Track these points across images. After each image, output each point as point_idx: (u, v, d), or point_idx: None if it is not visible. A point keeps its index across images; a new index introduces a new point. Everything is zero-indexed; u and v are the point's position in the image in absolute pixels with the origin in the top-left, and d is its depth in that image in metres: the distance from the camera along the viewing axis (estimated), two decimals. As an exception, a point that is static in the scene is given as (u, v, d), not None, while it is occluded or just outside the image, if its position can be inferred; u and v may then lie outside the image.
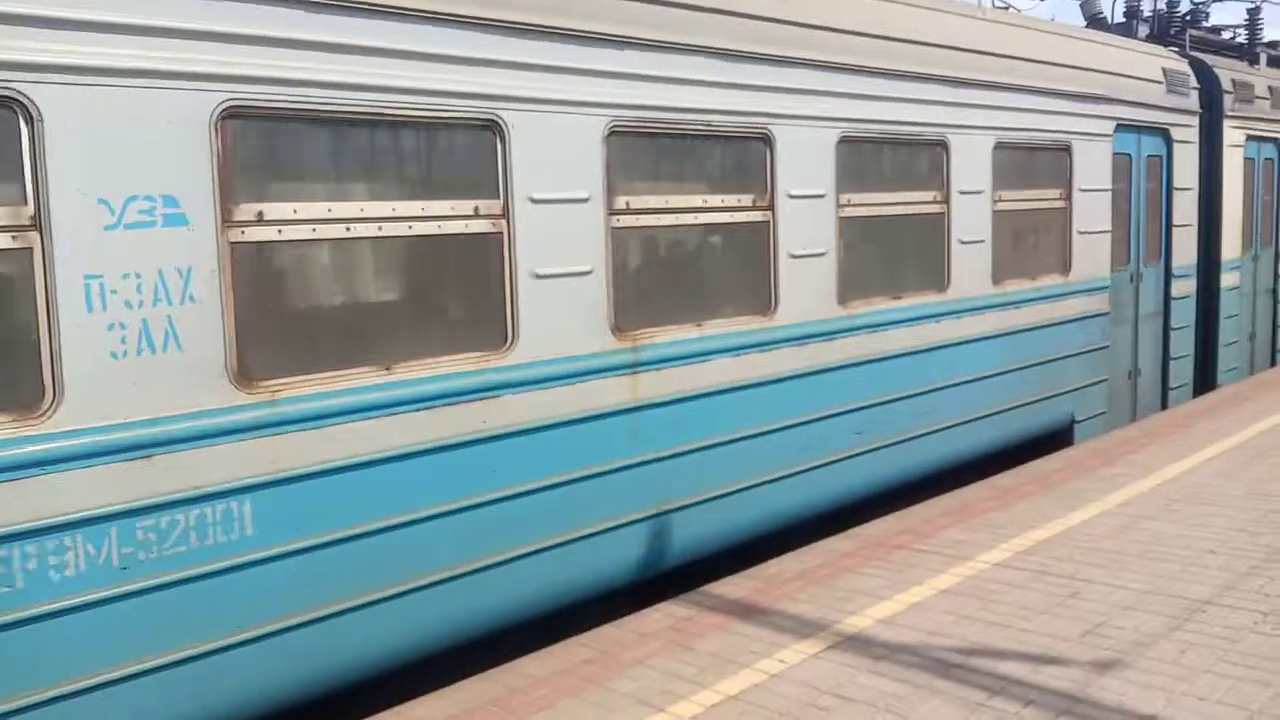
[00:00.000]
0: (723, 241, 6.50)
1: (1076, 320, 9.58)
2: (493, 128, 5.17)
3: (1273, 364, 13.97)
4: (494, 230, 5.20)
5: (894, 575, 6.25)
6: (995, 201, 8.51)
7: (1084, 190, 9.55)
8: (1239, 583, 5.85)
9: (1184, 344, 11.51)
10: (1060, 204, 9.34)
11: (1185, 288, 11.47)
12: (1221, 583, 5.86)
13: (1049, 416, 9.37)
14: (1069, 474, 8.34)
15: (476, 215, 5.15)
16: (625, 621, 5.74)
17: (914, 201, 7.80)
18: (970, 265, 8.28)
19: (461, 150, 5.14)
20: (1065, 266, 9.43)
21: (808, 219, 6.86)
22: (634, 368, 5.86)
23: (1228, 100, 12.04)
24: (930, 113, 7.81)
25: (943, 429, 8.09)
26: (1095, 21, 13.29)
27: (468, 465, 5.13)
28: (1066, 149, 9.32)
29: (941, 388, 8.05)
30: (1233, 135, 12.23)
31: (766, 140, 6.56)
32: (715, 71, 6.21)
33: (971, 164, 8.23)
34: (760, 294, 6.66)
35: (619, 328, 5.80)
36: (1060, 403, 9.48)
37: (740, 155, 6.52)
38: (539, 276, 5.38)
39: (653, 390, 5.96)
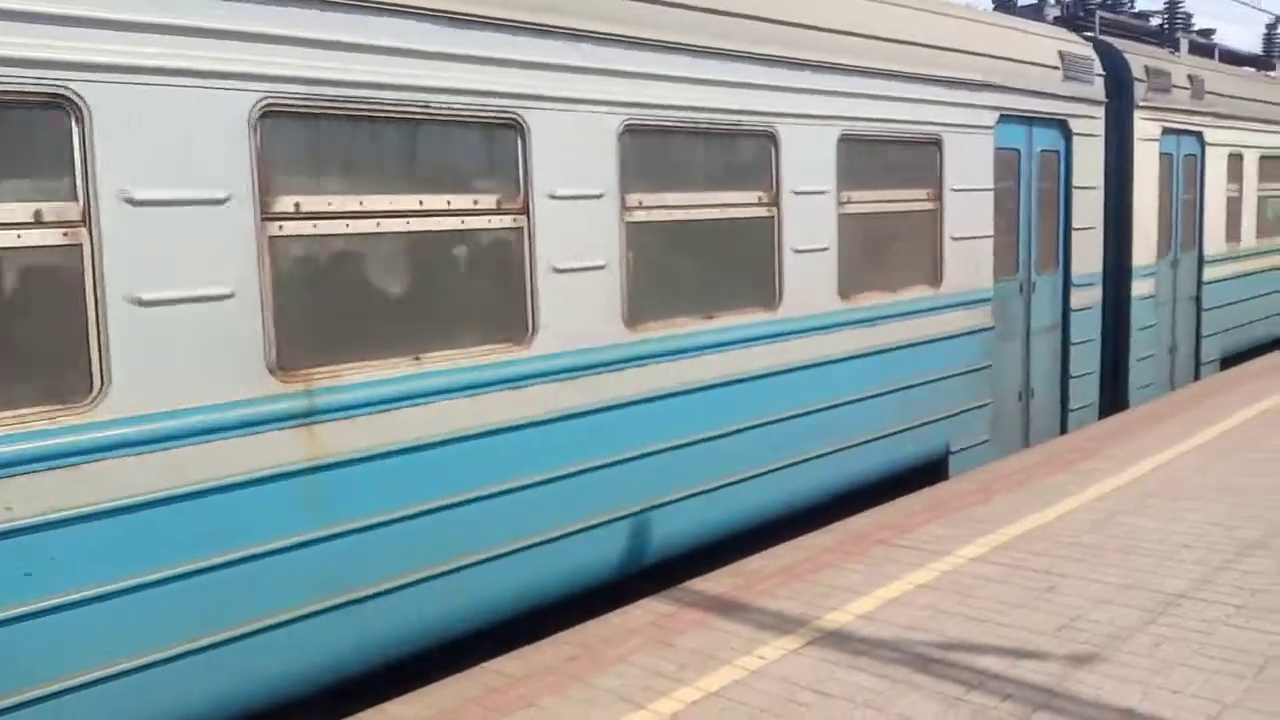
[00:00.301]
0: (458, 257, 5.27)
1: (951, 338, 8.41)
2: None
3: (1197, 378, 12.86)
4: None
5: (873, 570, 6.32)
6: (842, 203, 7.31)
7: (958, 190, 8.37)
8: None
9: (1087, 360, 10.36)
10: (928, 205, 8.16)
11: (1088, 297, 10.32)
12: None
13: (916, 449, 8.20)
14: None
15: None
16: (608, 618, 5.75)
17: (733, 204, 6.57)
18: (809, 278, 7.07)
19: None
20: (936, 277, 8.25)
21: (580, 225, 5.63)
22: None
23: (1139, 89, 10.91)
24: (750, 98, 6.59)
25: (765, 474, 6.88)
26: (1003, 4, 12.12)
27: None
28: (935, 142, 8.13)
29: (765, 424, 6.83)
30: (1146, 128, 11.09)
31: (517, 128, 5.33)
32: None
33: (809, 160, 7.02)
34: (516, 317, 5.43)
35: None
36: (931, 432, 8.30)
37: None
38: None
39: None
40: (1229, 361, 13.72)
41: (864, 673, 4.94)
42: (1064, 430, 10.16)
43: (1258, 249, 14.29)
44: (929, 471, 8.45)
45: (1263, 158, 14.33)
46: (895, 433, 7.91)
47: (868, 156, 7.60)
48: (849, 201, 7.38)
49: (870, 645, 5.26)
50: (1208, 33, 15.70)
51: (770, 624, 5.58)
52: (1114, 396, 11.18)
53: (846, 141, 7.30)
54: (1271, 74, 16.73)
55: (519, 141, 5.35)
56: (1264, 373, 12.92)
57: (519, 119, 5.32)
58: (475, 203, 5.18)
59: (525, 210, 5.38)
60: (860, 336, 7.50)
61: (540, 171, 5.40)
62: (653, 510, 6.16)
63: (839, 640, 5.33)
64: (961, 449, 8.64)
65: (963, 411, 8.61)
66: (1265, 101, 14.49)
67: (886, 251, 7.88)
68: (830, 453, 7.34)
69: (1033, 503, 7.55)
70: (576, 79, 5.58)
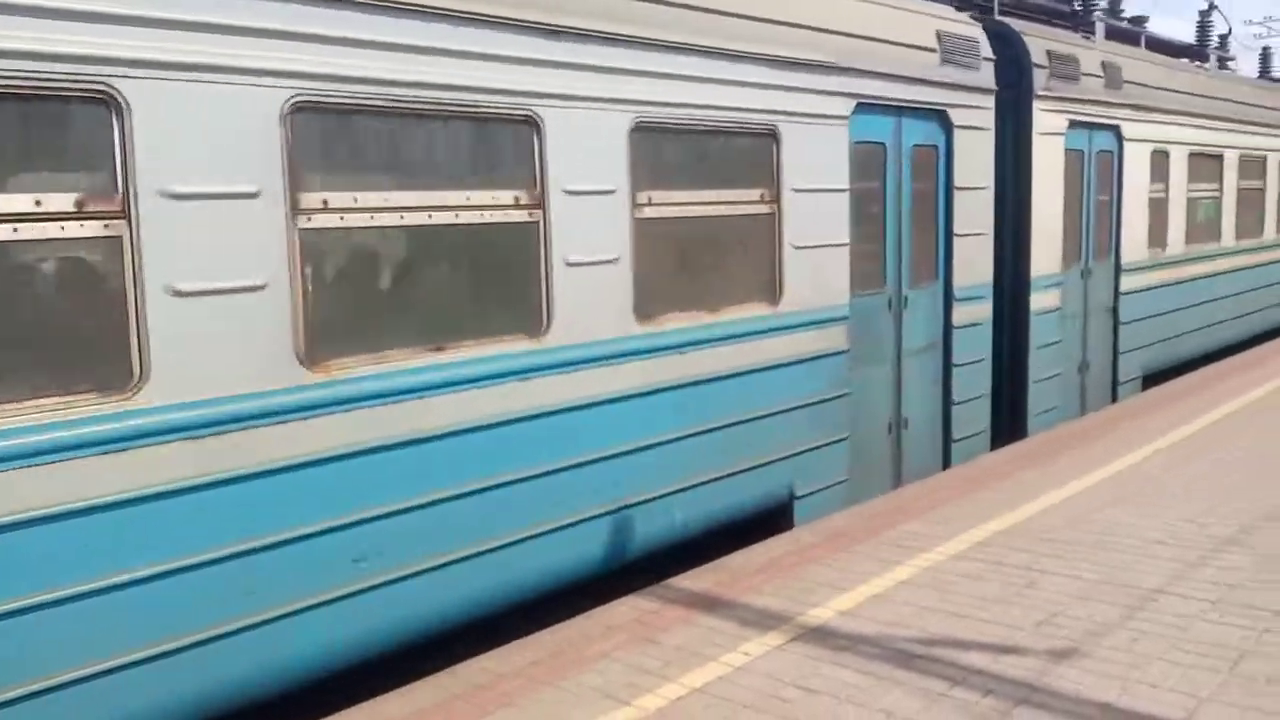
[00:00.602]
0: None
1: (792, 364, 7.15)
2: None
3: (1114, 399, 11.67)
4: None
5: (855, 567, 6.33)
6: (639, 205, 6.04)
7: (802, 190, 7.11)
8: None
9: (974, 384, 9.14)
10: (763, 209, 6.89)
11: (976, 312, 9.09)
12: None
13: (749, 495, 6.94)
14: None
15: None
16: (591, 615, 5.74)
17: (476, 206, 5.28)
18: (590, 297, 5.80)
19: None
20: (773, 293, 6.99)
21: (208, 233, 4.35)
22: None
23: (1039, 76, 9.69)
24: (506, 75, 5.30)
25: (534, 536, 5.59)
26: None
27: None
28: (770, 134, 6.87)
29: (528, 478, 5.54)
30: (1048, 120, 9.88)
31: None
32: None
33: (586, 151, 5.73)
34: (117, 357, 4.14)
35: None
36: (766, 475, 7.04)
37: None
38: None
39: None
40: (1156, 379, 12.54)
41: (847, 669, 4.95)
42: (947, 464, 8.93)
43: (1186, 256, 13.12)
44: (769, 520, 7.20)
45: (1193, 155, 13.16)
46: (715, 479, 6.65)
47: (677, 150, 6.34)
48: (650, 204, 6.10)
49: (853, 641, 5.27)
50: (1140, 20, 14.56)
51: (754, 620, 5.57)
52: (1012, 422, 9.97)
53: (644, 131, 6.02)
54: (1205, 65, 15.59)
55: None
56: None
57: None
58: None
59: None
60: (665, 367, 6.23)
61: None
62: (388, 586, 4.89)
63: (822, 636, 5.34)
64: (810, 493, 7.39)
65: (810, 450, 7.35)
66: (1196, 94, 13.31)
67: (706, 264, 6.60)
68: (621, 510, 6.07)
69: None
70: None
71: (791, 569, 6.33)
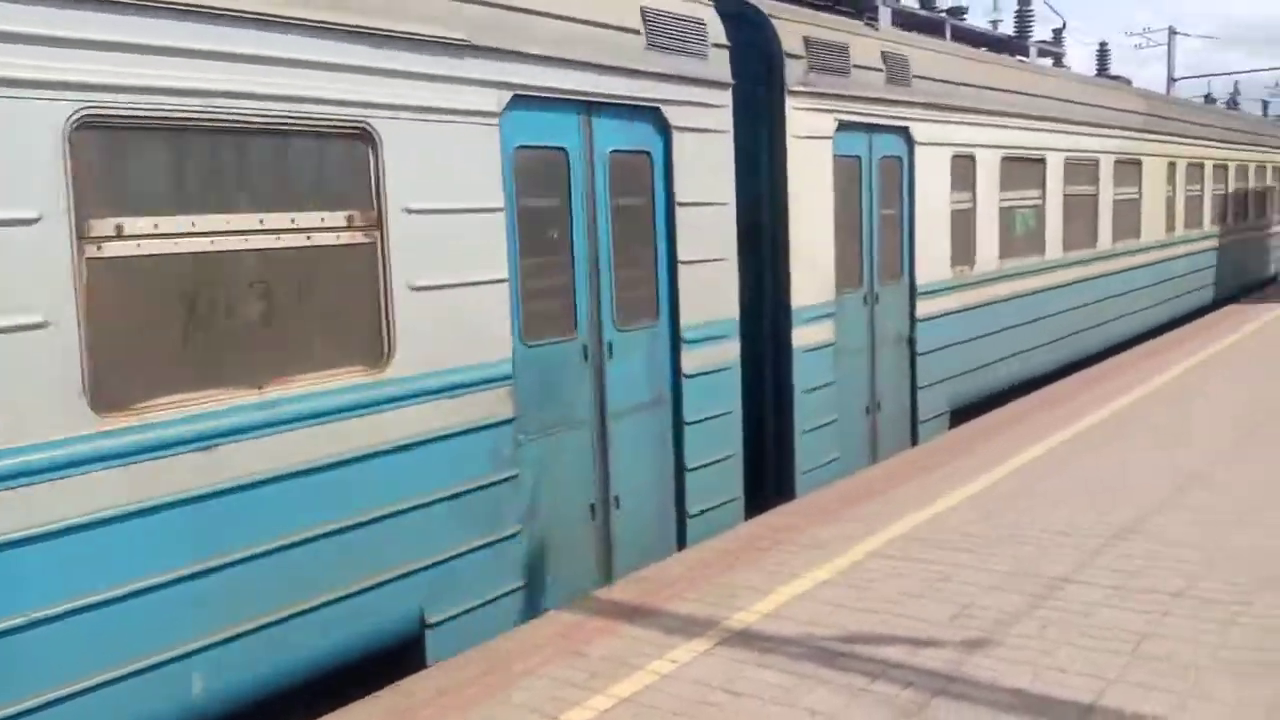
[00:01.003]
0: None
1: (416, 445, 5.27)
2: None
3: (914, 441, 10.11)
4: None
5: (775, 570, 6.44)
6: (89, 239, 4.05)
7: (421, 211, 5.24)
8: None
9: (718, 443, 7.40)
10: (355, 238, 5.00)
11: (716, 356, 7.36)
12: None
13: (356, 632, 5.03)
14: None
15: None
16: (515, 633, 5.68)
17: None
18: (11, 377, 3.84)
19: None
20: (376, 351, 5.11)
21: None
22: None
23: (794, 68, 8.05)
24: None
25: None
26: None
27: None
28: (363, 134, 4.99)
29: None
30: (808, 121, 8.24)
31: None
32: None
33: (-11, 162, 3.84)
34: None
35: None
36: (384, 601, 5.14)
37: None
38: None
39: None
40: (967, 414, 11.06)
41: (772, 670, 5.07)
42: (682, 544, 7.17)
43: (1000, 273, 11.70)
44: (395, 655, 5.31)
45: (1008, 160, 11.76)
46: (291, 616, 4.71)
47: (175, 156, 4.40)
48: (118, 236, 4.14)
49: (777, 643, 5.36)
50: (959, 11, 13.16)
51: (679, 627, 5.63)
52: (777, 483, 8.29)
53: (95, 129, 4.06)
54: (1025, 59, 14.31)
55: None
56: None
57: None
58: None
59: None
60: (160, 472, 4.26)
61: None
62: None
63: (747, 639, 5.43)
64: (452, 617, 5.50)
65: (451, 559, 5.49)
66: (1011, 91, 11.93)
67: (247, 318, 4.67)
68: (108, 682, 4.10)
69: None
70: None
71: (712, 576, 6.39)
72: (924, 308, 10.05)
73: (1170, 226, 17.40)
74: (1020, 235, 12.31)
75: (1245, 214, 22.46)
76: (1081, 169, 13.94)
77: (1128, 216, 15.52)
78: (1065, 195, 13.41)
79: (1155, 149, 16.39)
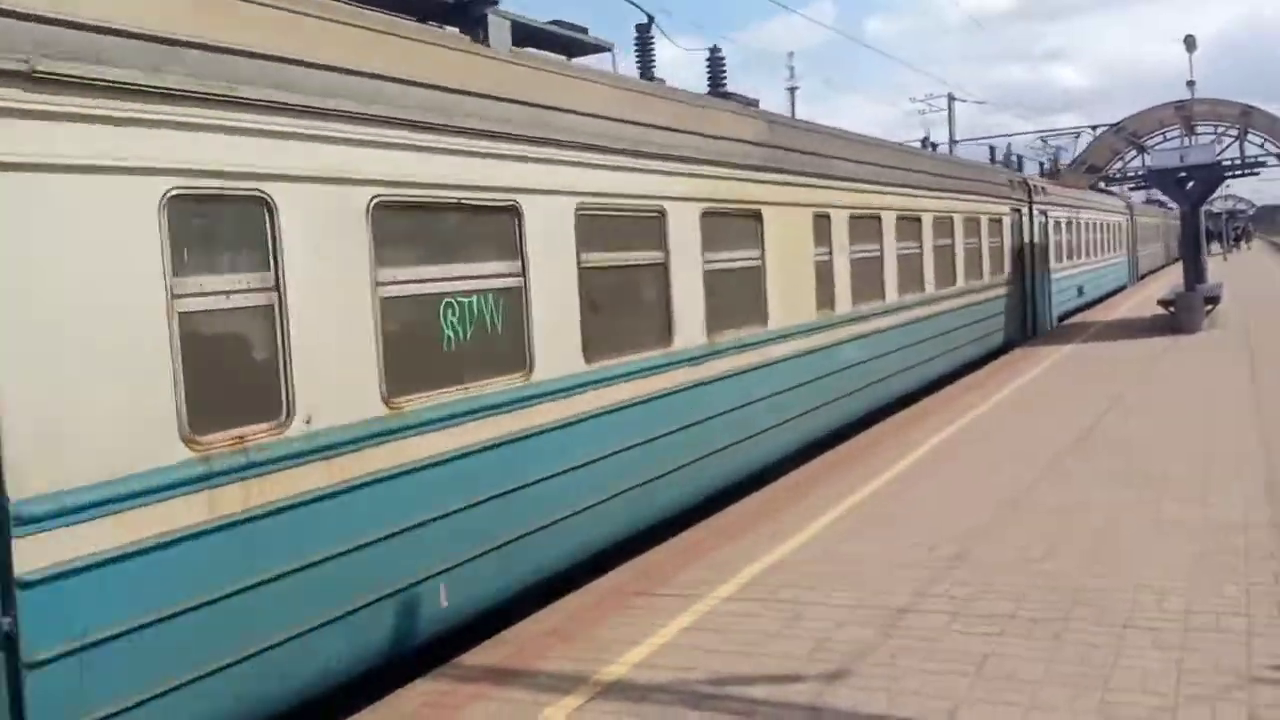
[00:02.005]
0: None
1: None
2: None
3: None
4: None
5: (640, 620, 6.60)
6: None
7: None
8: None
9: None
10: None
11: None
12: None
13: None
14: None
15: None
16: (378, 706, 5.60)
17: None
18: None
19: None
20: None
21: None
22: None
23: None
24: None
25: None
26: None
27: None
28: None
29: None
30: None
31: None
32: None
33: None
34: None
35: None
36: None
37: None
38: None
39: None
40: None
41: (648, 719, 5.18)
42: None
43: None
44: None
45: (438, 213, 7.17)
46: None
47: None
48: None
49: (649, 690, 5.51)
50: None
51: (551, 685, 5.67)
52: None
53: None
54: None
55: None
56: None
57: None
58: None
59: None
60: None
61: None
62: None
63: (620, 691, 5.54)
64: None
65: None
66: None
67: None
68: None
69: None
70: None
71: (577, 631, 6.46)
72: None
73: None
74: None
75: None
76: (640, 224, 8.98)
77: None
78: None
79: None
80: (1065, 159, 34.13)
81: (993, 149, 28.33)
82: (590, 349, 7.83)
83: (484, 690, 5.70)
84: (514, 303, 7.10)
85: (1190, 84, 29.43)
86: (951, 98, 30.90)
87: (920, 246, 15.77)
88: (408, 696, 5.72)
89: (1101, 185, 30.10)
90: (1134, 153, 25.35)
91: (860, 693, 5.30)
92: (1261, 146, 23.97)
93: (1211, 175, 24.54)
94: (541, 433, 7.23)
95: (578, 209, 7.76)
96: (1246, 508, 8.24)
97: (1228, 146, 24.20)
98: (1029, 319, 23.60)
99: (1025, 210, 23.16)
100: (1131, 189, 41.11)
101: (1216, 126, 24.43)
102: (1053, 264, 25.84)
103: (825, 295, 12.28)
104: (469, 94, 6.88)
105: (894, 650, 5.83)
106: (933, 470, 10.49)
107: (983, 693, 5.21)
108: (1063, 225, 27.30)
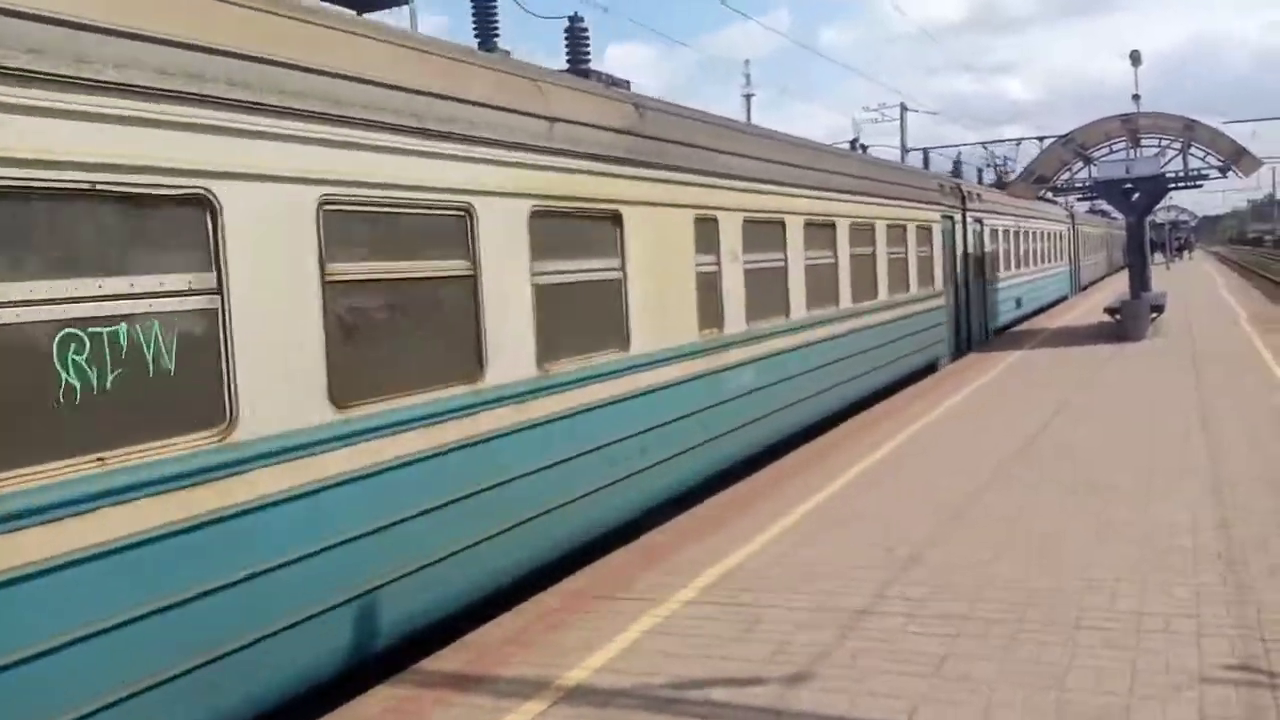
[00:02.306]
0: None
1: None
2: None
3: None
4: None
5: (600, 624, 6.61)
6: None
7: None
8: None
9: None
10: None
11: None
12: None
13: None
14: None
15: None
16: (340, 712, 5.56)
17: None
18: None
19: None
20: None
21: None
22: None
23: None
24: None
25: None
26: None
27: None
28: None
29: None
30: None
31: None
32: None
33: None
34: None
35: None
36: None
37: None
38: None
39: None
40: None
41: None
42: None
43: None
44: None
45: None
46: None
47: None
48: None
49: (611, 695, 5.52)
50: None
51: (513, 690, 5.67)
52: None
53: None
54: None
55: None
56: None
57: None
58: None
59: None
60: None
61: None
62: None
63: (582, 695, 5.54)
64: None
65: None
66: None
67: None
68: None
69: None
70: None
71: (538, 636, 6.48)
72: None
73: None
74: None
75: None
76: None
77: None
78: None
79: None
80: (1013, 169, 34.65)
81: (926, 155, 28.45)
82: (342, 390, 5.86)
83: (446, 696, 5.66)
84: (201, 327, 5.15)
85: (1136, 98, 30.07)
86: (904, 107, 31.23)
87: (835, 256, 14.19)
88: (368, 703, 5.67)
89: (1048, 195, 30.52)
90: (1081, 164, 25.75)
91: (821, 694, 5.36)
92: (1204, 159, 24.48)
93: (1156, 187, 25.04)
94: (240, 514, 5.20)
95: (323, 202, 5.82)
96: (1194, 510, 8.40)
97: (1172, 159, 24.64)
98: (963, 333, 22.90)
99: (958, 217, 22.37)
100: (1078, 199, 41.76)
101: (1161, 139, 24.87)
102: (988, 274, 25.27)
103: (710, 313, 10.50)
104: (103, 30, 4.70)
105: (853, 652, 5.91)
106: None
107: (942, 693, 5.29)
108: (999, 234, 26.83)
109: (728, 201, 10.96)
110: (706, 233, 10.50)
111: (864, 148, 26.91)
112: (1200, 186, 26.02)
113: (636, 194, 9.22)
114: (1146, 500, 8.85)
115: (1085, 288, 47.93)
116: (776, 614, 6.63)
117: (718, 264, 10.73)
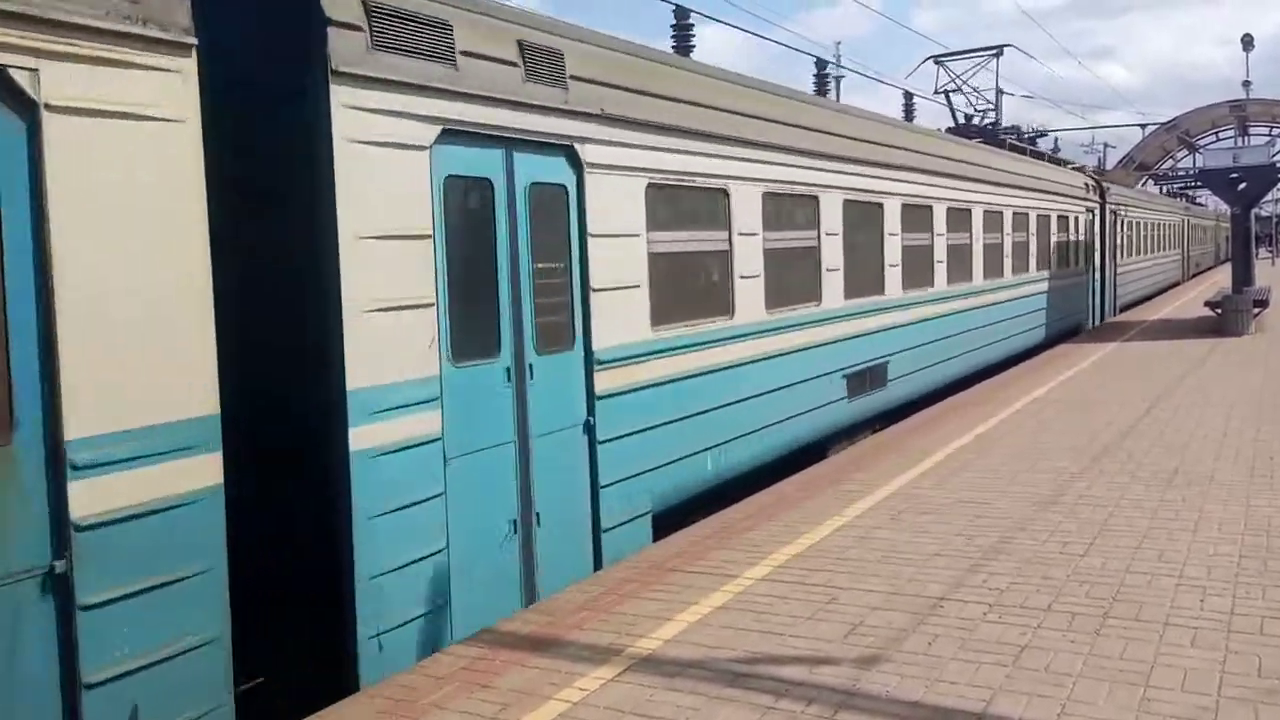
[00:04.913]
0: None
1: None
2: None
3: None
4: None
5: (673, 597, 6.63)
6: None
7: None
8: None
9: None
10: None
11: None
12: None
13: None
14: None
15: None
16: (419, 668, 5.69)
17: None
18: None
19: None
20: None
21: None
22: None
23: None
24: None
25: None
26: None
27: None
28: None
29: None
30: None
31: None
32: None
33: None
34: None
35: None
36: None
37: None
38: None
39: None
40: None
41: (680, 692, 5.20)
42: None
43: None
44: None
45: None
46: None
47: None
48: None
49: (682, 666, 5.53)
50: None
51: (585, 656, 5.72)
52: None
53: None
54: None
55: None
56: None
57: None
58: None
59: None
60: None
61: None
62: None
63: (652, 665, 5.57)
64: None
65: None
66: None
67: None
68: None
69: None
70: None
71: (612, 605, 6.53)
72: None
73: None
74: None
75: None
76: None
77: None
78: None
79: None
80: (1113, 156, 33.77)
81: (1032, 138, 28.55)
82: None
83: (520, 657, 5.74)
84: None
85: (1246, 84, 28.86)
86: (1000, 91, 30.44)
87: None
88: (444, 660, 5.76)
89: (1150, 183, 30.18)
90: (1185, 152, 24.88)
91: (895, 679, 5.23)
92: (1317, 150, 23.46)
93: (1265, 177, 24.06)
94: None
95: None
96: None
97: (1282, 148, 23.71)
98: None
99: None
100: (1180, 189, 40.54)
101: (1271, 128, 23.91)
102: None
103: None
104: None
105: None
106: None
107: (1020, 684, 5.13)
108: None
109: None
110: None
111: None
112: (1312, 177, 24.98)
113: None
114: (1246, 495, 8.56)
115: (1194, 275, 50.84)
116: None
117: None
